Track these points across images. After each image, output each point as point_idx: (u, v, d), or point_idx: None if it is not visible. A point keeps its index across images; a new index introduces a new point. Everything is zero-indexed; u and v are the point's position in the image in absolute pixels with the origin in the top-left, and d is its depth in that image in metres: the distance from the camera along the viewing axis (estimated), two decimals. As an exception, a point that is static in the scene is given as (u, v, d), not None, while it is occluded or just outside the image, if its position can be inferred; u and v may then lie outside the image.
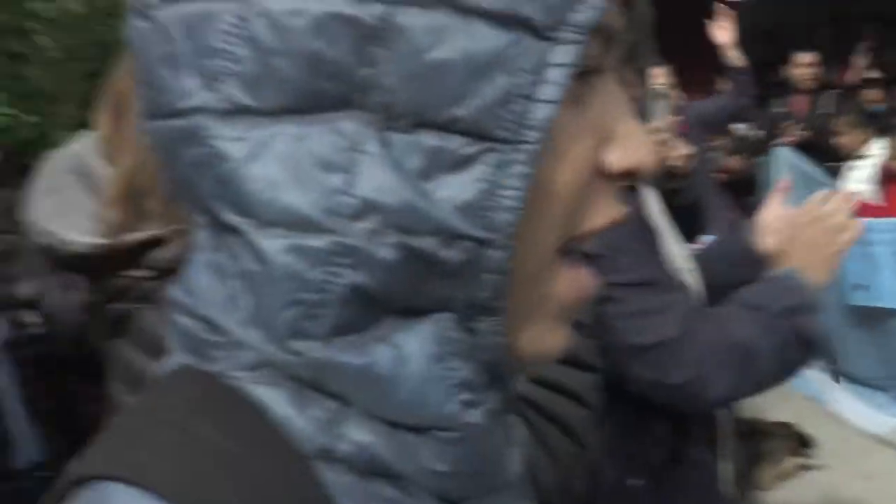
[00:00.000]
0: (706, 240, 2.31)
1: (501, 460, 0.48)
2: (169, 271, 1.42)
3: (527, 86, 0.40)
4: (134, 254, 1.45)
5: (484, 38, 0.40)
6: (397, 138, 0.41)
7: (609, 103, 0.47)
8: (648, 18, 1.68)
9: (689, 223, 2.28)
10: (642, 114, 1.76)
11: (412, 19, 0.39)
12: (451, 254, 0.41)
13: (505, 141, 0.41)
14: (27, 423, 2.37)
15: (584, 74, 0.45)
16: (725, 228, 3.22)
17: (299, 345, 0.43)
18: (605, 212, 0.47)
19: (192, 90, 0.43)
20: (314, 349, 0.43)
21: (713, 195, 4.17)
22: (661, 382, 1.51)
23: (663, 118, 2.41)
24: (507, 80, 0.40)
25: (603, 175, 0.47)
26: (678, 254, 1.72)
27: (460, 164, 0.41)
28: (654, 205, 1.74)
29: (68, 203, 1.45)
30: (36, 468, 2.38)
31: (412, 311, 0.43)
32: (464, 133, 0.40)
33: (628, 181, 0.47)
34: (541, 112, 0.41)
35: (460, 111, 0.40)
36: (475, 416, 0.45)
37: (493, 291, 0.43)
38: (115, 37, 5.27)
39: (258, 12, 0.40)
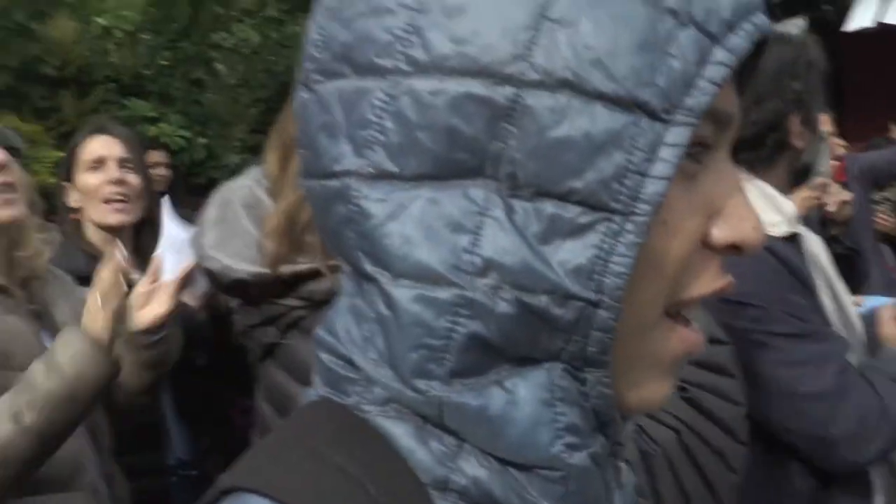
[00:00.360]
0: (865, 299, 2.21)
1: (604, 501, 0.51)
2: (322, 303, 1.50)
3: (641, 163, 0.44)
4: (290, 284, 1.53)
5: (603, 119, 0.44)
6: (520, 205, 0.45)
7: (719, 179, 0.50)
8: (822, 67, 1.66)
9: (845, 273, 2.20)
10: (810, 159, 1.73)
11: (539, 100, 0.44)
12: (563, 311, 0.46)
13: (618, 212, 0.45)
14: (177, 424, 2.50)
15: (695, 153, 0.48)
16: (884, 282, 3.08)
17: (423, 384, 0.48)
18: (710, 282, 0.51)
19: (344, 156, 0.49)
20: (436, 388, 0.48)
21: (873, 248, 3.98)
22: (819, 435, 1.48)
23: (824, 163, 2.34)
24: (623, 156, 0.44)
25: (709, 247, 0.50)
26: (841, 303, 1.68)
27: (576, 231, 0.45)
28: (821, 253, 1.71)
29: (235, 232, 1.55)
30: (182, 466, 2.51)
31: (526, 360, 0.48)
32: (580, 203, 0.45)
33: (733, 254, 0.51)
34: (653, 187, 0.44)
35: (578, 183, 0.44)
36: (579, 458, 0.49)
37: (600, 347, 0.47)
38: (284, 66, 5.53)
39: (404, 90, 0.46)
